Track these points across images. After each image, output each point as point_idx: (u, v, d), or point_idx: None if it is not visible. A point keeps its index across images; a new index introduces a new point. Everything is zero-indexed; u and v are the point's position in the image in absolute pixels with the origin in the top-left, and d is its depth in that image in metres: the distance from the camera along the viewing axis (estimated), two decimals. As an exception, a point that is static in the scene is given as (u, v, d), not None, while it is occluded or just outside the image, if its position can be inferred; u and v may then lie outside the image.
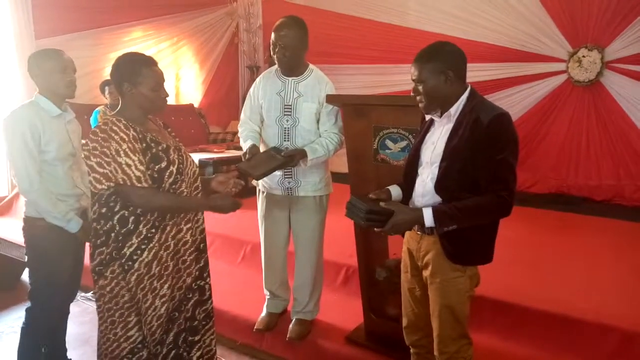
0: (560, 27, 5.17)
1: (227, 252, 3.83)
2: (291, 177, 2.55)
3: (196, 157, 4.92)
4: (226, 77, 7.48)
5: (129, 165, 1.74)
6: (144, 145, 1.80)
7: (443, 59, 1.73)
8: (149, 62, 1.86)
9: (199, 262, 2.02)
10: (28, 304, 2.28)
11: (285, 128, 2.52)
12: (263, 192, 2.69)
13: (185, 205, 1.93)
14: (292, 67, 2.50)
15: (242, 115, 2.68)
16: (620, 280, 3.07)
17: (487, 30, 5.48)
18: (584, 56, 5.05)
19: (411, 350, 2.08)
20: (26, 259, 2.23)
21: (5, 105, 4.98)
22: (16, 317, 3.23)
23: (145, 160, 1.79)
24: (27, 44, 5.08)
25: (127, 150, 1.75)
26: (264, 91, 2.57)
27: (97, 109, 4.87)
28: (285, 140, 2.52)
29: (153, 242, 1.82)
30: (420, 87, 1.76)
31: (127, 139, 1.76)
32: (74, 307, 2.64)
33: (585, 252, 3.62)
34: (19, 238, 4.27)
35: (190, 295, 1.98)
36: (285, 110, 2.51)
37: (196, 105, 6.87)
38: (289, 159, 2.35)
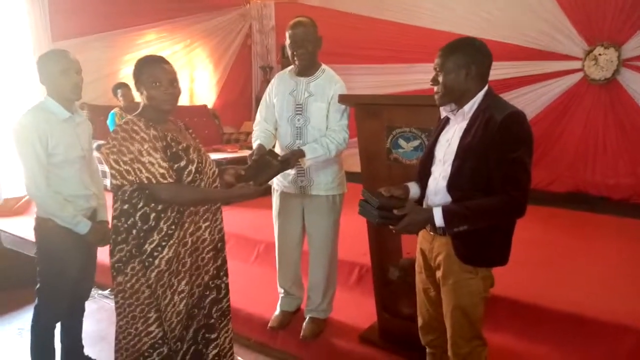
0: (575, 25, 5.12)
1: (241, 251, 3.85)
2: (304, 176, 2.57)
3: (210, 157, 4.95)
4: (239, 78, 7.52)
5: (152, 164, 1.78)
6: (164, 143, 1.83)
7: (469, 53, 1.71)
8: (151, 60, 1.89)
9: (217, 261, 2.04)
10: (36, 302, 2.30)
11: (297, 127, 2.54)
12: (277, 191, 2.71)
13: (211, 197, 1.98)
14: (310, 65, 2.52)
15: (257, 116, 2.71)
16: (638, 279, 3.03)
17: (500, 29, 5.43)
18: (600, 54, 4.99)
19: (427, 350, 2.07)
20: (36, 258, 2.25)
21: (23, 107, 5.07)
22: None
23: (166, 158, 1.83)
24: (44, 46, 5.16)
25: (149, 149, 1.78)
26: (277, 91, 2.61)
27: (112, 111, 4.95)
28: (297, 139, 2.54)
29: (173, 239, 1.85)
30: (440, 77, 1.74)
31: (147, 139, 1.79)
32: (90, 305, 2.68)
33: (602, 252, 3.57)
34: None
35: (208, 293, 2.01)
36: (297, 109, 2.53)
37: (210, 106, 6.93)
38: (284, 163, 2.35)
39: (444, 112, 1.85)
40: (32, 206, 5.19)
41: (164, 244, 1.84)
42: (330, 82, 2.53)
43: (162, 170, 1.79)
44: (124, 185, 1.81)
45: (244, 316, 2.96)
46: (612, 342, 2.45)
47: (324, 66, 2.59)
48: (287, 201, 2.68)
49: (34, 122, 2.09)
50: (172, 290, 1.88)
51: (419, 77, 5.85)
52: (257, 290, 3.26)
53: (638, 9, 4.73)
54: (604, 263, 3.35)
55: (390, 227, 1.74)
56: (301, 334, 2.68)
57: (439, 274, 1.84)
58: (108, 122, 4.92)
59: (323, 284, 2.71)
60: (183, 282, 1.90)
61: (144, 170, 1.77)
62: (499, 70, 5.30)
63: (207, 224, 1.97)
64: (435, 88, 1.77)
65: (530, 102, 5.35)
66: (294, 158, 2.41)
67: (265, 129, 2.63)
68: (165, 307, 1.88)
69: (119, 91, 4.94)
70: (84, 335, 2.58)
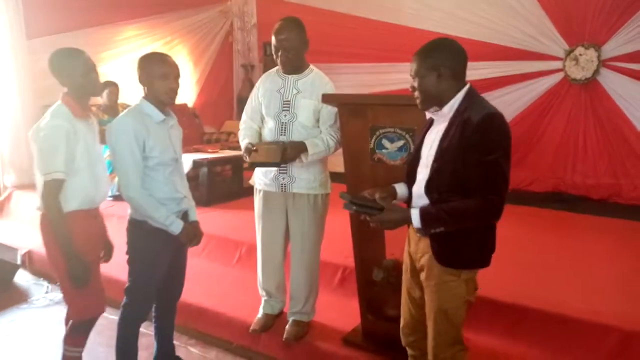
0: (556, 25, 5.17)
1: (222, 254, 3.81)
2: (285, 173, 2.55)
3: (190, 157, 4.88)
4: (220, 76, 7.44)
5: None
6: None
7: (438, 56, 1.70)
8: None
9: None
10: (124, 300, 2.31)
11: (282, 123, 2.54)
12: (260, 191, 2.69)
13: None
14: (296, 68, 2.54)
15: (243, 115, 2.74)
16: (618, 279, 3.07)
17: (483, 29, 5.47)
18: (580, 54, 5.05)
19: (408, 352, 2.06)
20: (127, 258, 2.27)
21: (1, 104, 4.95)
22: (9, 320, 3.21)
23: None
24: (18, 44, 5.05)
25: None
26: (264, 89, 2.63)
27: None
28: (281, 135, 2.54)
29: None
30: (415, 83, 1.74)
31: None
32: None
33: (582, 251, 3.62)
34: (10, 240, 4.22)
35: None
36: (284, 106, 2.54)
37: (190, 105, 6.84)
38: (282, 153, 2.37)
39: (428, 113, 1.84)
40: (4, 209, 5.07)
41: None
42: (321, 82, 2.55)
43: None
44: None
45: (225, 320, 2.92)
46: (593, 342, 2.48)
47: (312, 66, 2.61)
48: (270, 201, 2.65)
49: (131, 124, 2.08)
50: None
51: (402, 77, 5.78)
52: (238, 294, 3.22)
53: (618, 10, 4.80)
54: (584, 262, 3.39)
55: (367, 218, 1.73)
56: (284, 337, 2.64)
57: (422, 275, 1.83)
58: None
59: (305, 284, 2.68)
60: None
61: None
62: (480, 70, 5.34)
63: None
64: (415, 94, 1.76)
65: (511, 102, 5.38)
66: (293, 152, 2.41)
67: (250, 126, 2.67)
68: None
69: (106, 89, 4.83)
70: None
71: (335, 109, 2.47)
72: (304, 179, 2.55)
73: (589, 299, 2.76)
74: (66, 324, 2.30)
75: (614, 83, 4.95)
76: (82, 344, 2.29)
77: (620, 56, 4.89)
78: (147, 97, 2.17)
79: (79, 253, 2.08)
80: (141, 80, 2.15)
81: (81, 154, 2.09)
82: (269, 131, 2.59)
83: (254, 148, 2.43)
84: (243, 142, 2.58)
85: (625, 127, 4.94)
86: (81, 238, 2.10)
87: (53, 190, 2.02)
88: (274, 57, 2.53)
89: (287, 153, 2.40)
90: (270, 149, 2.42)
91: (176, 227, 2.17)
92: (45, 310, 3.33)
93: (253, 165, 2.47)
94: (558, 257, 3.49)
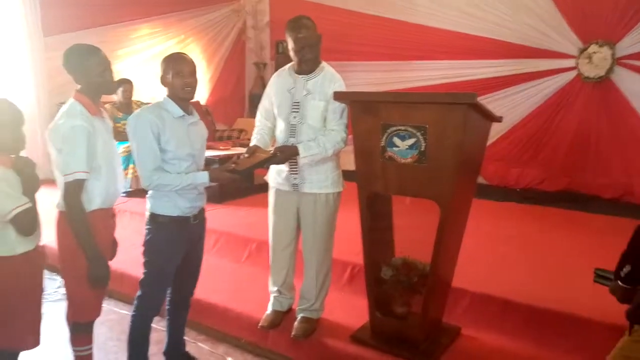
0: (570, 23, 5.12)
1: (232, 250, 3.83)
2: (297, 173, 2.55)
3: (203, 154, 4.91)
4: (233, 74, 7.48)
5: None
6: None
7: None
8: None
9: None
10: (139, 292, 2.35)
11: (292, 124, 2.53)
12: (272, 188, 2.71)
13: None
14: (314, 65, 2.53)
15: (257, 114, 2.74)
16: (630, 279, 3.03)
17: (496, 27, 5.43)
18: (594, 52, 5.00)
19: None
20: (142, 251, 2.31)
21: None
22: None
23: None
24: (36, 41, 5.13)
25: None
26: (276, 89, 2.62)
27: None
28: (291, 137, 2.53)
29: None
30: None
31: None
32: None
33: (594, 251, 3.57)
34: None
35: None
36: (294, 107, 2.53)
37: (203, 102, 6.88)
38: (272, 155, 2.40)
39: None
40: None
41: None
42: (330, 81, 2.52)
43: None
44: None
45: (234, 316, 2.94)
46: (604, 342, 2.44)
47: (323, 64, 2.58)
48: (282, 199, 2.67)
49: (147, 116, 2.17)
50: None
51: (415, 74, 5.84)
52: (248, 290, 3.24)
53: (633, 7, 4.74)
54: (595, 262, 3.32)
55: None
56: (292, 333, 2.65)
57: None
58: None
59: (316, 282, 2.68)
60: None
61: None
62: (492, 68, 5.32)
63: None
64: None
65: (524, 99, 5.34)
66: (283, 155, 2.42)
67: (264, 126, 2.67)
68: None
69: (121, 87, 4.89)
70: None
71: (341, 105, 2.47)
72: (315, 179, 2.55)
73: (599, 299, 2.72)
74: (67, 322, 2.29)
75: (627, 81, 4.90)
76: (88, 342, 2.29)
77: (635, 54, 4.83)
78: (169, 95, 2.23)
79: (101, 253, 2.11)
80: (162, 80, 2.21)
81: (101, 151, 2.10)
82: (280, 132, 2.59)
83: (247, 155, 2.43)
84: (251, 143, 2.59)
85: (639, 126, 4.88)
86: (99, 237, 2.11)
87: (75, 191, 2.02)
88: (293, 56, 2.50)
89: (274, 159, 2.41)
90: (258, 157, 2.41)
91: (202, 177, 2.22)
92: (58, 304, 3.38)
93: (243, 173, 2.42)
94: (569, 256, 3.46)
